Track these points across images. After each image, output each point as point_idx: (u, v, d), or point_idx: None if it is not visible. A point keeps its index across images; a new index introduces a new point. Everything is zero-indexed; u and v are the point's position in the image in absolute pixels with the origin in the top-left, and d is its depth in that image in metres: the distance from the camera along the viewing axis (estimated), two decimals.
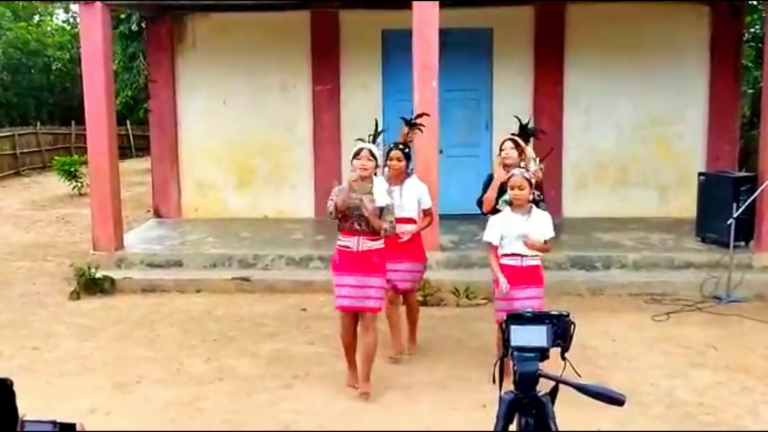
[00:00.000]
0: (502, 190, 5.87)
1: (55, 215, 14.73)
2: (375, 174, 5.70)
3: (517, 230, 5.63)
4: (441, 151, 9.40)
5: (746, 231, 8.90)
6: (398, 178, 6.37)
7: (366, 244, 5.58)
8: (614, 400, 2.52)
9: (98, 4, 9.09)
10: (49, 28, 31.32)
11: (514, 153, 6.20)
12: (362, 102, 11.39)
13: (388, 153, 6.35)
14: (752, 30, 15.34)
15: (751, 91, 15.25)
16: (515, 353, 2.64)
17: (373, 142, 5.85)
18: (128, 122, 26.81)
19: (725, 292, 8.13)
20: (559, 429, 2.65)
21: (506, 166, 6.15)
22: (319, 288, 8.32)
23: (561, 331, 2.69)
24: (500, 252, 5.76)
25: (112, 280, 8.82)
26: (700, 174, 9.94)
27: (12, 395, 1.71)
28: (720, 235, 8.83)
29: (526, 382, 2.61)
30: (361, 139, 5.82)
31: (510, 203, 5.66)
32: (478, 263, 8.59)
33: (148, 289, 8.82)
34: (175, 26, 11.63)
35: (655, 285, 8.50)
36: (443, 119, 9.51)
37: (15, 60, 27.64)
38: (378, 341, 5.79)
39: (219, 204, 11.87)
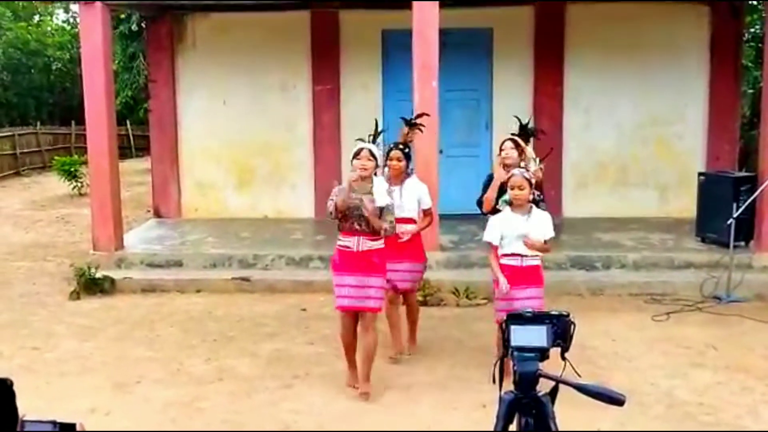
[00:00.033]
0: (502, 190, 5.87)
1: (55, 215, 14.73)
2: (375, 174, 5.70)
3: (517, 230, 5.64)
4: (441, 151, 9.41)
5: (746, 231, 8.90)
6: (398, 178, 6.37)
7: (366, 244, 5.58)
8: (614, 400, 2.52)
9: (98, 4, 9.09)
10: (49, 28, 31.33)
11: (514, 153, 6.21)
12: (362, 102, 11.39)
13: (388, 153, 6.35)
14: (752, 30, 15.34)
15: (751, 91, 15.25)
16: (515, 353, 2.64)
17: (373, 142, 5.86)
18: (128, 122, 26.82)
19: (725, 292, 8.13)
20: (559, 429, 2.65)
21: (506, 166, 6.15)
22: (319, 288, 8.33)
23: (561, 331, 2.69)
24: (500, 252, 5.76)
25: (112, 280, 8.82)
26: (700, 174, 9.94)
27: (12, 395, 1.71)
28: (720, 235, 8.83)
29: (526, 382, 2.62)
30: (361, 139, 5.82)
31: (510, 203, 5.66)
32: (478, 263, 8.59)
33: (148, 289, 8.82)
34: (175, 26, 11.63)
35: (655, 285, 8.50)
36: (443, 119, 9.51)
37: (15, 60, 27.64)
38: (378, 341, 5.78)
39: (219, 204, 11.87)
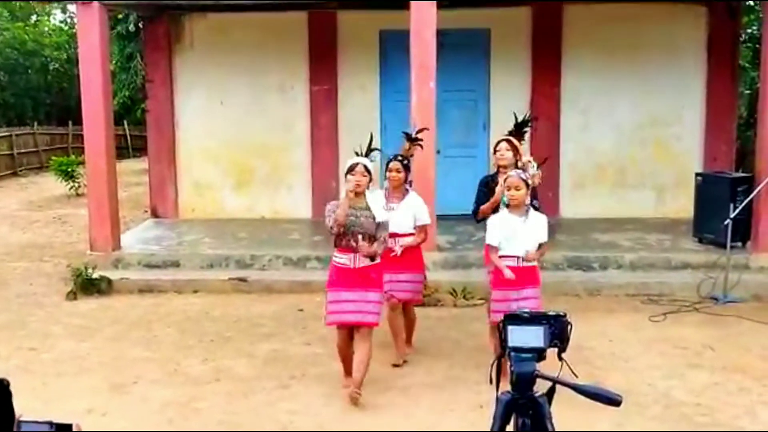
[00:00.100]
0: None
1: (52, 215, 14.71)
2: (368, 188, 5.70)
3: (514, 232, 5.64)
4: (438, 152, 9.42)
5: (743, 231, 8.91)
6: (398, 189, 6.37)
7: (363, 261, 5.59)
8: (611, 400, 2.52)
9: (95, 4, 9.08)
10: (46, 28, 31.31)
11: (509, 154, 6.22)
12: (360, 103, 11.40)
13: (387, 164, 6.37)
14: (749, 31, 15.36)
15: (748, 91, 15.26)
16: (512, 354, 2.64)
17: (366, 155, 5.84)
18: (125, 122, 26.78)
19: (722, 292, 8.14)
20: (556, 429, 2.65)
21: (501, 167, 6.16)
22: (316, 288, 8.29)
23: (558, 331, 2.69)
24: (498, 253, 5.77)
25: (109, 281, 8.81)
26: (697, 175, 9.95)
27: (9, 396, 1.71)
28: (717, 235, 8.84)
29: (523, 382, 2.61)
30: (357, 153, 5.81)
31: (507, 204, 5.67)
32: (476, 263, 8.60)
33: (145, 289, 8.81)
34: (173, 26, 11.62)
35: (652, 285, 8.51)
36: (440, 120, 9.51)
37: (12, 60, 27.62)
38: (372, 352, 5.74)
39: (216, 204, 11.86)
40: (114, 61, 17.32)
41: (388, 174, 6.34)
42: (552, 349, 2.69)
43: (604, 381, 5.58)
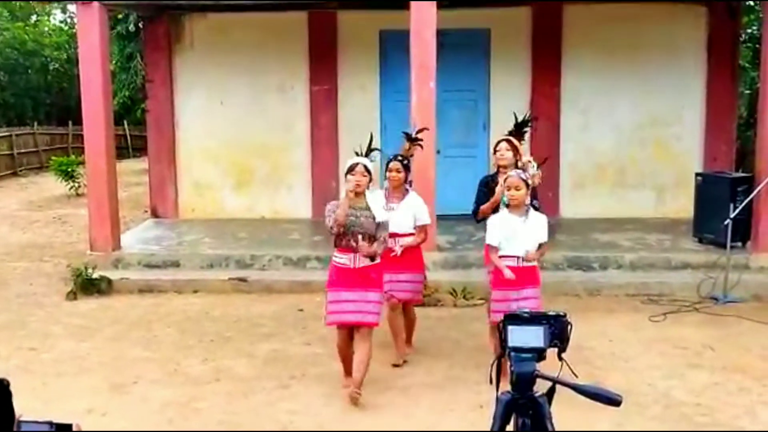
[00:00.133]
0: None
1: (52, 215, 14.71)
2: (368, 188, 5.71)
3: (514, 232, 5.65)
4: (438, 152, 9.42)
5: (743, 231, 8.91)
6: (398, 189, 6.38)
7: (363, 261, 5.59)
8: (611, 400, 2.52)
9: (95, 4, 9.09)
10: (46, 28, 31.31)
11: (509, 154, 6.22)
12: (360, 103, 11.40)
13: (387, 164, 6.37)
14: (749, 31, 15.36)
15: (748, 91, 15.26)
16: (512, 354, 2.64)
17: (366, 155, 5.84)
18: (125, 122, 26.78)
19: (722, 292, 8.14)
20: (556, 429, 2.65)
21: (501, 167, 6.16)
22: (316, 288, 8.29)
23: (558, 331, 2.69)
24: (498, 253, 5.77)
25: (109, 281, 8.81)
26: (697, 175, 9.95)
27: (9, 395, 1.71)
28: (717, 235, 8.84)
29: (523, 382, 2.61)
30: (357, 153, 5.80)
31: (507, 204, 5.68)
32: (476, 263, 8.60)
33: (145, 289, 8.81)
34: (173, 26, 11.62)
35: (652, 285, 8.51)
36: (440, 120, 9.51)
37: (12, 60, 27.63)
38: (372, 352, 5.74)
39: (216, 204, 11.86)
40: (114, 61, 17.32)
41: (388, 174, 6.35)
42: (552, 349, 2.69)
43: (604, 381, 5.58)
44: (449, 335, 7.22)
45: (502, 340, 2.69)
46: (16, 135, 23.36)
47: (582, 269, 8.97)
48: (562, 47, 11.25)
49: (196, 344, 7.04)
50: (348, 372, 5.81)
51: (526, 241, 5.68)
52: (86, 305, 8.37)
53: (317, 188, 11.47)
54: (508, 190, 5.61)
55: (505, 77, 11.31)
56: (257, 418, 5.43)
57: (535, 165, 6.10)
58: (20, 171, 22.96)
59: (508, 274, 5.61)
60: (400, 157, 6.40)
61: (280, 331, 7.40)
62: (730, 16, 11.21)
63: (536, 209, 5.81)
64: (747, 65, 15.22)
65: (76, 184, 17.30)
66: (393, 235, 6.12)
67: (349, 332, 5.71)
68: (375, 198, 5.92)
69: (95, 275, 8.78)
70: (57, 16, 33.03)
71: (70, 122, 25.73)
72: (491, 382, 2.81)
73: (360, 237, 5.53)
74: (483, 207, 6.22)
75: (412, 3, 8.68)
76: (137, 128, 25.57)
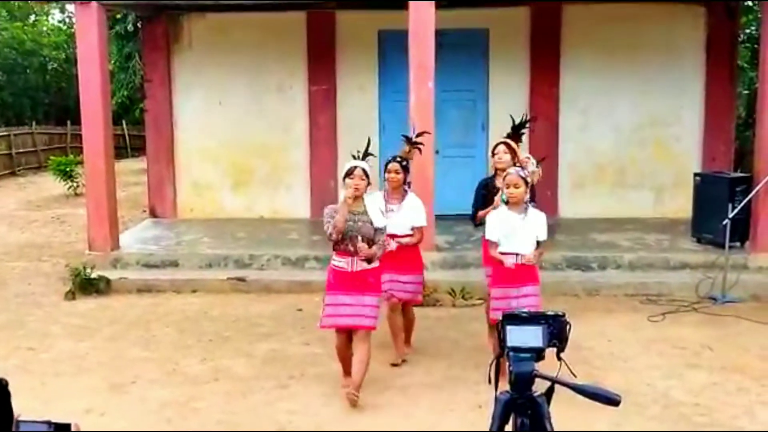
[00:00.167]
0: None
1: (51, 215, 14.70)
2: (366, 191, 5.70)
3: (513, 229, 5.65)
4: (437, 152, 9.41)
5: (742, 231, 8.91)
6: (397, 190, 6.38)
7: (361, 265, 5.58)
8: (610, 400, 2.52)
9: (94, 4, 9.08)
10: (44, 28, 31.28)
11: (507, 157, 6.21)
12: (358, 103, 11.40)
13: (386, 165, 6.37)
14: (748, 31, 15.38)
15: (746, 92, 15.27)
16: (511, 353, 2.64)
17: (363, 158, 5.83)
18: (124, 122, 26.77)
19: (721, 292, 8.15)
20: (555, 429, 2.65)
21: (499, 171, 6.16)
22: (315, 288, 8.29)
23: (557, 331, 2.69)
24: (498, 250, 5.77)
25: (108, 281, 8.80)
26: (695, 175, 9.96)
27: (7, 395, 1.71)
28: (715, 235, 8.84)
29: (522, 382, 2.61)
30: (354, 156, 5.79)
31: (506, 201, 5.68)
32: (474, 263, 8.58)
33: (144, 289, 8.81)
34: (171, 26, 11.61)
35: (650, 285, 8.51)
36: (439, 120, 9.51)
37: (11, 60, 27.60)
38: (371, 353, 5.73)
39: (215, 204, 11.85)
40: (112, 61, 17.31)
41: (386, 175, 6.36)
42: (551, 348, 2.69)
43: (603, 381, 5.58)
44: (448, 335, 7.22)
45: (501, 340, 2.69)
46: (15, 135, 23.35)
47: (581, 269, 8.98)
48: (561, 47, 11.25)
49: (194, 344, 7.04)
50: (347, 372, 5.81)
51: (524, 239, 5.67)
52: (85, 305, 8.36)
53: (316, 188, 11.47)
54: (507, 187, 5.62)
55: (503, 77, 11.31)
56: (256, 418, 5.43)
57: (534, 162, 6.10)
58: (18, 171, 22.95)
59: (510, 262, 5.61)
60: (398, 158, 6.41)
61: (278, 330, 7.40)
62: (728, 17, 11.21)
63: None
64: (746, 65, 15.23)
65: (75, 184, 17.29)
66: (392, 236, 6.13)
67: (347, 334, 5.71)
68: (374, 200, 5.93)
69: (94, 275, 8.77)
70: (55, 16, 33.04)
71: (68, 122, 25.72)
72: (490, 381, 2.81)
73: (359, 240, 5.52)
74: (481, 213, 6.22)
75: (411, 3, 8.68)
76: (136, 128, 25.55)
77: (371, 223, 5.57)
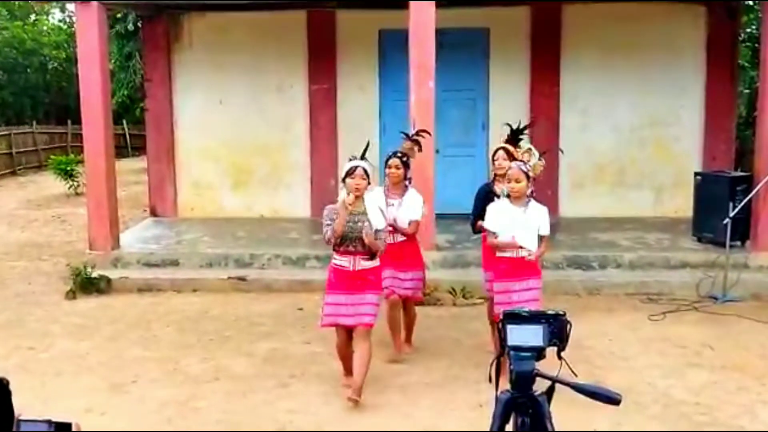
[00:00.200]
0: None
1: (51, 214, 14.70)
2: (366, 190, 5.70)
3: (514, 221, 5.63)
4: (437, 151, 9.40)
5: (742, 231, 8.91)
6: (397, 186, 6.39)
7: (361, 264, 5.59)
8: (610, 399, 2.52)
9: (94, 3, 9.08)
10: (45, 28, 31.28)
11: (507, 163, 6.19)
12: (359, 102, 11.40)
13: (386, 161, 6.38)
14: (748, 30, 15.36)
15: (747, 91, 15.26)
16: (512, 353, 2.64)
17: (362, 158, 5.82)
18: (125, 121, 26.78)
19: (721, 291, 8.15)
20: (556, 428, 2.65)
21: (499, 176, 6.15)
22: (315, 287, 8.28)
23: (557, 330, 2.69)
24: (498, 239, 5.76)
25: (109, 280, 8.81)
26: (696, 174, 9.95)
27: (8, 394, 1.71)
28: (716, 234, 8.84)
29: (523, 381, 2.61)
30: (354, 156, 5.78)
31: (508, 195, 5.67)
32: (475, 262, 8.57)
33: (145, 288, 8.81)
34: (172, 26, 11.61)
35: (651, 285, 8.51)
36: (439, 119, 9.50)
37: (11, 59, 27.62)
38: (372, 351, 5.73)
39: (215, 203, 11.86)
40: (113, 60, 17.31)
41: (387, 171, 6.38)
42: (551, 348, 2.69)
43: (604, 380, 5.58)
44: (448, 334, 7.22)
45: (502, 339, 2.69)
46: (15, 134, 23.35)
47: (581, 268, 8.98)
48: (561, 46, 11.24)
49: (195, 343, 7.04)
50: (348, 371, 5.81)
51: (525, 232, 5.65)
52: (85, 304, 8.36)
53: (316, 187, 11.47)
54: (509, 182, 5.61)
55: (504, 77, 11.31)
56: (256, 418, 5.43)
57: (537, 154, 6.08)
58: (19, 170, 22.95)
59: (514, 240, 5.58)
60: (399, 154, 6.42)
61: (279, 330, 7.40)
62: (729, 16, 11.21)
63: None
64: (746, 64, 15.22)
65: (75, 183, 17.30)
66: (393, 231, 6.14)
67: (348, 333, 5.71)
68: (375, 197, 5.92)
69: (94, 274, 8.78)
70: (56, 15, 33.04)
71: (69, 121, 25.72)
72: (491, 381, 2.81)
73: (365, 229, 5.51)
74: (479, 224, 6.19)
75: (411, 3, 8.67)
76: (136, 127, 25.56)
77: (371, 224, 5.56)
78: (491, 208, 5.80)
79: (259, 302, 8.35)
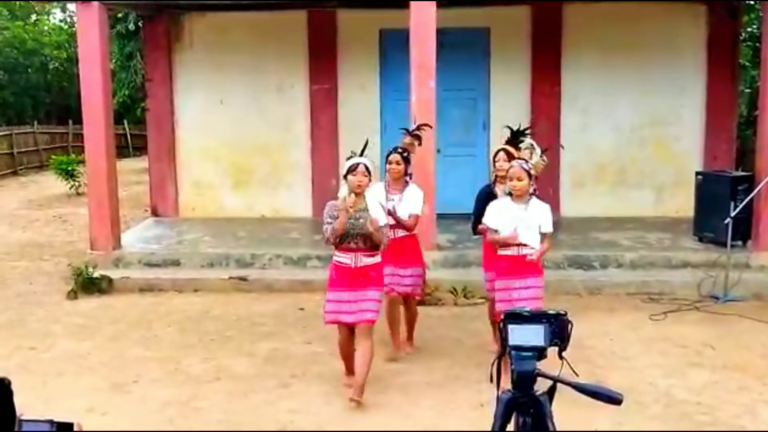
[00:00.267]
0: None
1: (53, 214, 14.71)
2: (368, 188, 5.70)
3: (515, 219, 5.62)
4: (438, 151, 9.40)
5: (743, 230, 8.91)
6: (398, 181, 6.40)
7: (363, 260, 5.59)
8: (612, 399, 2.52)
9: (95, 3, 9.08)
10: (46, 28, 31.30)
11: (508, 165, 6.19)
12: (360, 102, 11.40)
13: (387, 156, 6.39)
14: (749, 29, 15.34)
15: (748, 90, 15.25)
16: (513, 352, 2.64)
17: (361, 155, 5.81)
18: (126, 121, 26.79)
19: (722, 291, 8.14)
20: (557, 428, 2.65)
21: (499, 178, 6.14)
22: (316, 287, 8.28)
23: (558, 330, 2.68)
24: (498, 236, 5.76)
25: (110, 280, 8.81)
26: (697, 173, 9.94)
27: (10, 394, 1.71)
28: (717, 234, 8.84)
29: (524, 381, 2.61)
30: (354, 153, 5.77)
31: (509, 194, 5.67)
32: (476, 262, 8.56)
33: (146, 288, 8.81)
34: (172, 26, 11.62)
35: (652, 284, 8.51)
36: (440, 119, 9.50)
37: (12, 59, 27.63)
38: (374, 349, 5.73)
39: (216, 203, 11.86)
40: (114, 60, 17.30)
41: (387, 166, 6.39)
42: (552, 347, 2.69)
43: (605, 380, 5.58)
44: (449, 334, 7.22)
45: (503, 339, 2.69)
46: (16, 134, 23.37)
47: (582, 268, 8.97)
48: (561, 46, 11.24)
49: (196, 343, 7.04)
50: (349, 370, 5.81)
51: (527, 229, 5.64)
52: (87, 304, 8.37)
53: (317, 187, 11.47)
54: (510, 180, 5.60)
55: (504, 76, 11.31)
56: (257, 418, 5.43)
57: (539, 151, 6.08)
58: (20, 170, 22.96)
59: (515, 235, 5.57)
60: (399, 149, 6.42)
61: (280, 330, 7.40)
62: (729, 15, 11.20)
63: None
64: (747, 64, 15.21)
65: (77, 183, 17.31)
66: (393, 227, 6.15)
67: (350, 330, 5.71)
68: (376, 192, 5.92)
69: (95, 274, 8.78)
70: (57, 15, 33.07)
71: (70, 121, 25.74)
72: (492, 380, 2.81)
73: (360, 239, 5.52)
74: (482, 226, 6.19)
75: (412, 2, 8.67)
76: (137, 127, 25.56)
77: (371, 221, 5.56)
78: (492, 206, 5.80)
79: (260, 302, 8.35)
